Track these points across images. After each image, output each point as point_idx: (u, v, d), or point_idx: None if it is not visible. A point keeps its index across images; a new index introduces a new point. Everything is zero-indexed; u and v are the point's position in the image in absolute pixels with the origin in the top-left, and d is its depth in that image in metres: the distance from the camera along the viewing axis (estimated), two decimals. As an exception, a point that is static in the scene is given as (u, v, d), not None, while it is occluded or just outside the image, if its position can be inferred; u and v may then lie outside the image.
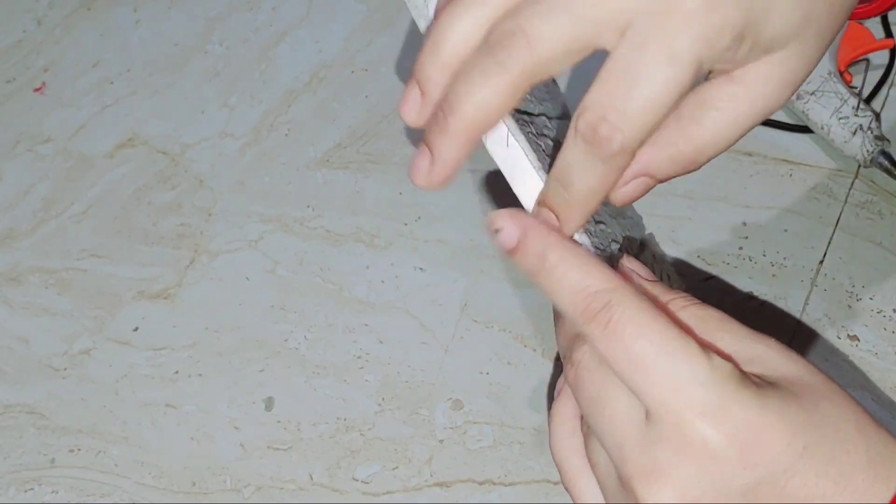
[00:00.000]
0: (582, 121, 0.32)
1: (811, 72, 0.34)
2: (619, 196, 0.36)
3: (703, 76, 0.32)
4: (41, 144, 0.76)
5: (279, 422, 0.64)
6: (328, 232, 0.70)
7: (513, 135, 0.36)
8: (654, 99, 0.31)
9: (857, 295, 0.64)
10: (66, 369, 0.67)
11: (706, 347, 0.33)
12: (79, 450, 0.65)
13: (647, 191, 0.36)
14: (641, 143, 0.32)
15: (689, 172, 0.35)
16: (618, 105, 0.31)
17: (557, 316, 0.38)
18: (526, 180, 0.37)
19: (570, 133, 0.33)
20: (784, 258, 0.65)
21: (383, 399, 0.64)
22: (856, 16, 0.50)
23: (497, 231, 0.35)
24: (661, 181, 0.36)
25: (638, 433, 0.33)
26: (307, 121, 0.75)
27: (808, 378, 0.33)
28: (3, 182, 0.75)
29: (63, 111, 0.78)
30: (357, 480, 0.62)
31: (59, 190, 0.74)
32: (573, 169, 0.33)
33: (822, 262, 0.65)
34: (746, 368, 0.33)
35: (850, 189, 0.67)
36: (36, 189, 0.74)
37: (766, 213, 0.66)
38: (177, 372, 0.67)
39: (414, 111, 0.35)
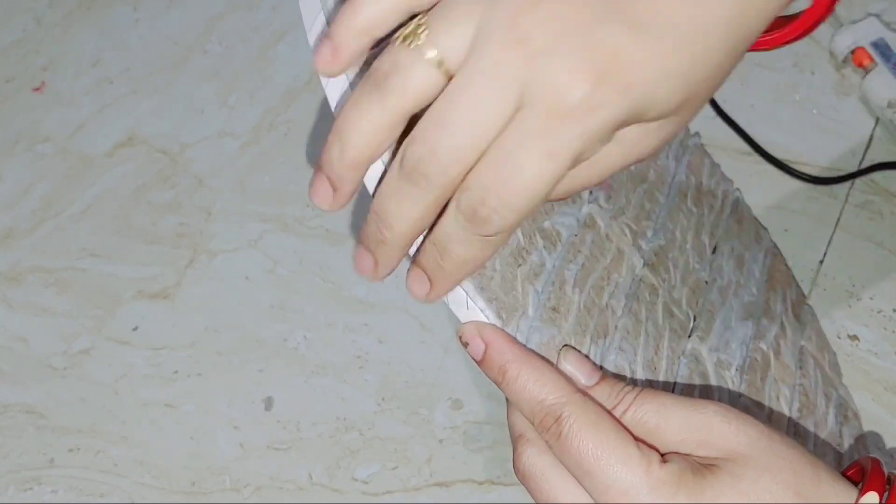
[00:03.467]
0: (464, 199, 0.33)
1: (683, 129, 0.36)
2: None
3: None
4: (40, 144, 0.76)
5: (279, 421, 0.64)
6: (328, 231, 0.70)
7: (471, 299, 0.38)
8: (532, 189, 0.33)
9: (857, 295, 0.64)
10: (65, 369, 0.67)
11: (650, 453, 0.36)
12: (78, 449, 0.65)
13: None
14: (518, 224, 0.34)
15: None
16: (498, 191, 0.33)
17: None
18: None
19: (452, 205, 0.34)
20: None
21: (383, 399, 0.64)
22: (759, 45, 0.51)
23: (466, 344, 0.39)
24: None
25: None
26: (307, 120, 0.75)
27: (749, 450, 0.36)
28: (3, 181, 0.75)
29: (62, 110, 0.78)
30: (357, 480, 0.62)
31: (59, 189, 0.74)
32: (452, 239, 0.35)
33: (822, 262, 0.65)
34: (697, 453, 0.37)
35: (850, 189, 0.67)
36: (35, 188, 0.74)
37: (766, 213, 0.66)
38: (176, 371, 0.66)
39: (326, 201, 0.37)
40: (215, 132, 0.75)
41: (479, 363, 0.39)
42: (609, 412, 0.38)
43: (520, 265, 0.40)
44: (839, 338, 0.62)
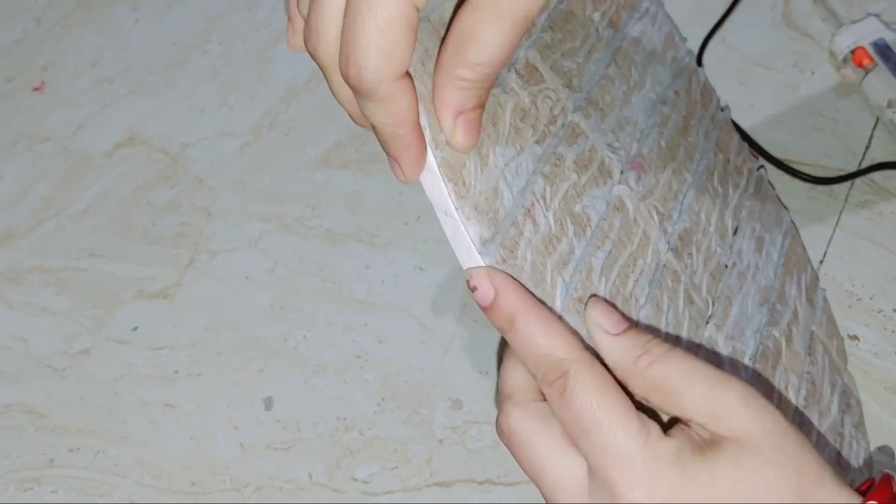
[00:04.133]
0: (340, 68, 0.34)
1: None
2: (457, 140, 0.37)
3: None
4: (40, 144, 0.76)
5: (279, 421, 0.64)
6: (328, 231, 0.70)
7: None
8: (375, 23, 0.32)
9: (857, 295, 0.64)
10: (65, 369, 0.67)
11: (650, 424, 0.36)
12: (78, 449, 0.65)
13: (476, 124, 0.37)
14: (393, 67, 0.34)
15: (487, 87, 0.36)
16: (353, 44, 0.33)
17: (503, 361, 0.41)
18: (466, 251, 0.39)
19: None
20: (784, 258, 0.65)
21: (383, 399, 0.64)
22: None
23: (473, 289, 0.38)
24: (477, 108, 0.37)
25: (582, 490, 0.37)
26: (307, 120, 0.75)
27: (761, 438, 0.36)
28: (3, 181, 0.75)
29: (62, 110, 0.78)
30: (357, 480, 0.62)
31: (59, 189, 0.74)
32: (368, 116, 0.36)
33: (822, 261, 0.65)
34: (708, 426, 0.36)
35: (850, 189, 0.67)
36: (35, 188, 0.74)
37: (766, 213, 0.66)
38: (176, 371, 0.66)
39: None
40: (215, 132, 0.75)
41: (485, 310, 0.38)
42: (631, 365, 0.37)
43: (550, 254, 0.40)
44: (839, 338, 0.62)
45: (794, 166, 0.68)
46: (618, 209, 0.44)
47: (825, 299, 0.61)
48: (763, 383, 0.49)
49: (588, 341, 0.39)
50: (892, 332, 0.62)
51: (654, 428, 0.36)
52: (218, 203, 0.72)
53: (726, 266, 0.51)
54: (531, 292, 0.38)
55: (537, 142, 0.41)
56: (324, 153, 0.73)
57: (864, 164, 0.68)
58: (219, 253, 0.70)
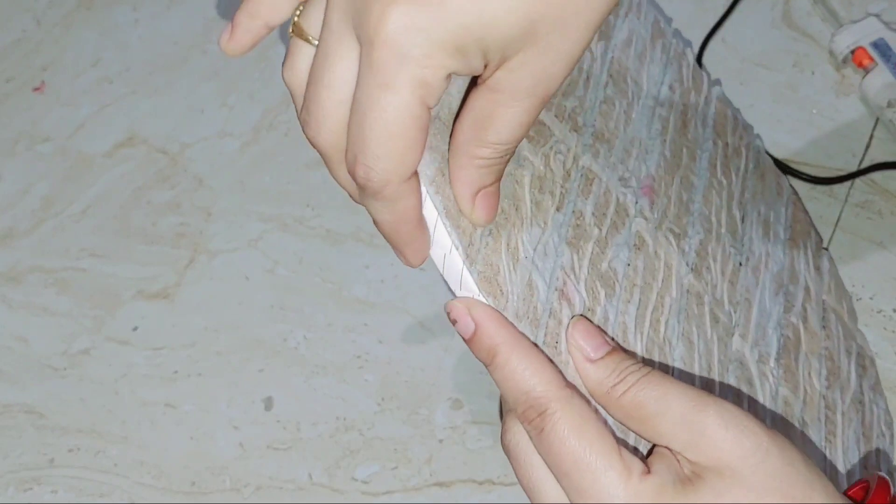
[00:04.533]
0: (347, 166, 0.34)
1: (574, 58, 0.33)
2: (477, 218, 0.36)
3: (443, 86, 0.32)
4: (40, 144, 0.76)
5: (278, 421, 0.64)
6: (328, 231, 0.70)
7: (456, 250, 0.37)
8: (384, 128, 0.32)
9: (856, 295, 0.64)
10: (65, 369, 0.67)
11: (632, 463, 0.35)
12: (78, 449, 0.65)
13: (494, 198, 0.37)
14: (402, 170, 0.33)
15: (505, 162, 0.36)
16: (361, 145, 0.33)
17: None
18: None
19: None
20: (784, 258, 0.65)
21: (383, 399, 0.64)
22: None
23: (454, 322, 0.37)
24: (495, 182, 0.36)
25: None
26: (307, 120, 0.75)
27: (740, 465, 0.35)
28: (3, 181, 0.75)
29: (62, 110, 0.78)
30: (356, 480, 0.62)
31: (59, 189, 0.74)
32: (368, 210, 0.35)
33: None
34: (686, 454, 0.35)
35: (849, 189, 0.67)
36: (35, 188, 0.74)
37: (765, 213, 0.66)
38: (176, 371, 0.66)
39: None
40: (215, 132, 0.75)
41: (467, 342, 0.38)
42: (606, 393, 0.37)
43: None
44: (839, 338, 0.62)
45: (794, 166, 0.68)
46: (639, 248, 0.45)
47: (830, 259, 0.61)
48: (789, 378, 0.49)
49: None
50: (892, 332, 0.62)
51: (636, 466, 0.36)
52: (218, 203, 0.72)
53: (741, 264, 0.51)
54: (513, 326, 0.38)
55: (557, 209, 0.42)
56: (324, 153, 0.73)
57: (864, 164, 0.68)
58: (219, 253, 0.70)
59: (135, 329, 0.68)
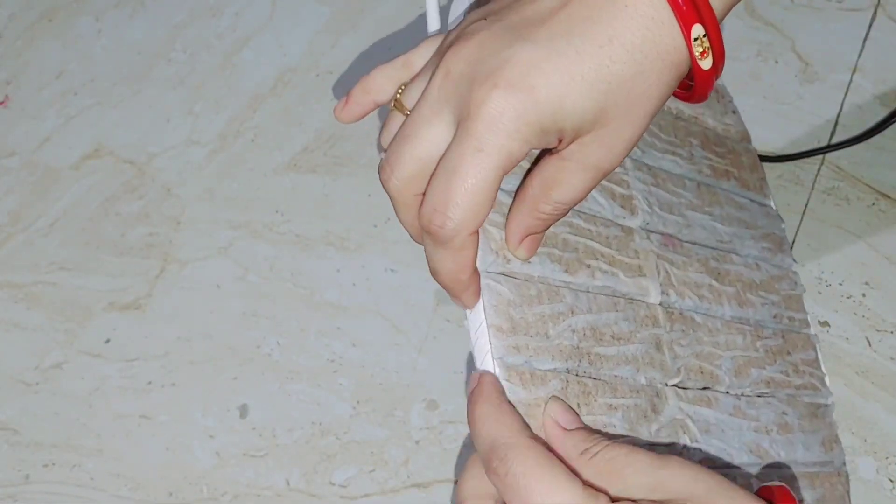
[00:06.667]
0: (422, 215, 0.39)
1: (633, 140, 0.39)
2: (519, 252, 0.43)
3: (522, 158, 0.38)
4: (6, 158, 0.76)
5: (254, 429, 0.64)
6: (297, 236, 0.70)
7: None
8: (469, 185, 0.38)
9: (826, 281, 0.64)
10: (38, 384, 0.67)
11: (598, 495, 0.37)
12: (53, 464, 0.64)
13: (538, 243, 0.43)
14: (475, 222, 0.39)
15: (557, 219, 0.42)
16: (442, 198, 0.38)
17: None
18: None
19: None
20: (753, 247, 0.65)
21: (358, 402, 0.64)
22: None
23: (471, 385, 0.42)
24: (542, 232, 0.43)
25: None
26: (273, 125, 0.75)
27: (705, 496, 0.37)
28: (-31, 197, 0.75)
29: (27, 123, 0.77)
30: (334, 484, 0.62)
31: (26, 203, 0.74)
32: (430, 257, 0.41)
33: (791, 248, 0.65)
34: (654, 496, 0.38)
35: (816, 175, 0.68)
36: (2, 203, 0.74)
37: (733, 203, 0.67)
38: (150, 382, 0.66)
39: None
40: (182, 141, 0.75)
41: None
42: (578, 455, 0.39)
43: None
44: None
45: (760, 154, 0.68)
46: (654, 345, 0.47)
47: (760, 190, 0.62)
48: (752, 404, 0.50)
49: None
50: (863, 316, 0.63)
51: (603, 498, 0.37)
52: (186, 212, 0.72)
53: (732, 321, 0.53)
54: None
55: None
56: (291, 158, 0.73)
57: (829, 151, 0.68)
58: (189, 262, 0.70)
59: (107, 341, 0.68)
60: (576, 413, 0.42)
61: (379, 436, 0.63)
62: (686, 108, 0.58)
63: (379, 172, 0.42)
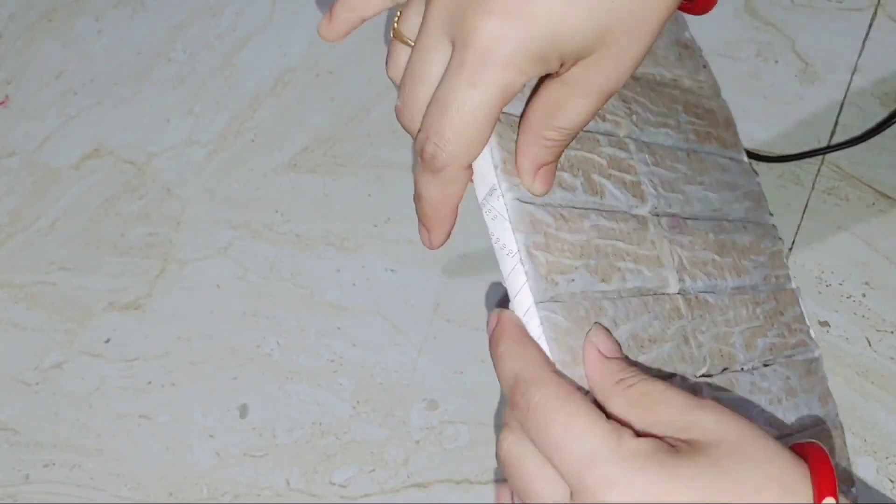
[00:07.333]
0: (416, 142, 0.39)
1: (639, 59, 0.38)
2: (536, 189, 0.41)
3: (519, 90, 0.37)
4: (6, 158, 0.76)
5: (254, 429, 0.64)
6: (298, 236, 0.70)
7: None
8: (463, 118, 0.37)
9: (826, 281, 0.64)
10: (37, 384, 0.67)
11: (621, 427, 0.36)
12: (53, 465, 0.64)
13: (552, 174, 0.41)
14: (468, 157, 0.38)
15: (565, 146, 0.41)
16: (436, 127, 0.37)
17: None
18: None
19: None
20: (753, 247, 0.65)
21: (358, 402, 0.64)
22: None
23: (489, 325, 0.42)
24: (555, 162, 0.41)
25: None
26: (273, 125, 0.75)
27: (737, 440, 0.36)
28: (-31, 197, 0.75)
29: (27, 124, 0.77)
30: (334, 484, 0.62)
31: (26, 203, 0.74)
32: (419, 184, 0.40)
33: (790, 249, 0.65)
34: (682, 435, 0.36)
35: (816, 175, 0.68)
36: (1, 203, 0.74)
37: (733, 203, 0.67)
38: (150, 382, 0.66)
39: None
40: (182, 140, 0.75)
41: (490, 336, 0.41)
42: (613, 384, 0.39)
43: None
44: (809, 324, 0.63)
45: (760, 154, 0.68)
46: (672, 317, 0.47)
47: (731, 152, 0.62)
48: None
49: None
50: (862, 316, 0.63)
51: (627, 431, 0.36)
52: (186, 212, 0.72)
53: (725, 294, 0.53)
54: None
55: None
56: (291, 158, 0.73)
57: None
58: (189, 262, 0.70)
59: (107, 341, 0.68)
60: (617, 343, 0.41)
61: (379, 436, 0.63)
62: (666, 72, 0.57)
63: (397, 116, 0.41)
